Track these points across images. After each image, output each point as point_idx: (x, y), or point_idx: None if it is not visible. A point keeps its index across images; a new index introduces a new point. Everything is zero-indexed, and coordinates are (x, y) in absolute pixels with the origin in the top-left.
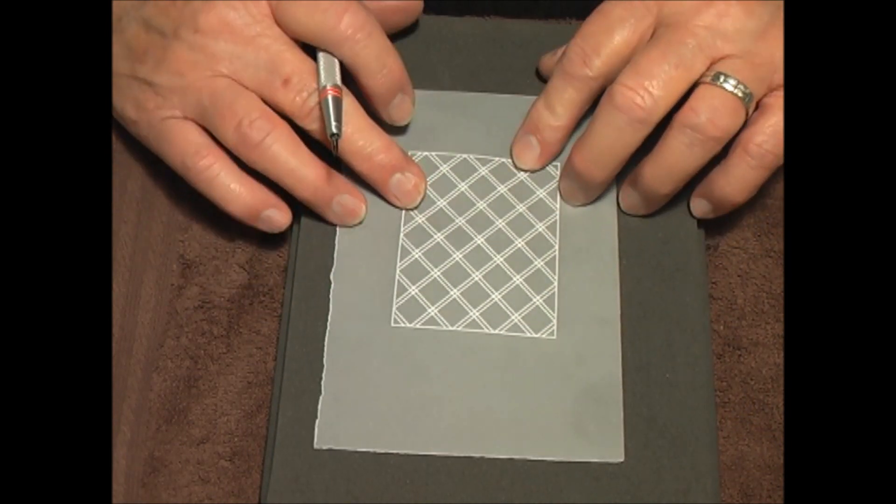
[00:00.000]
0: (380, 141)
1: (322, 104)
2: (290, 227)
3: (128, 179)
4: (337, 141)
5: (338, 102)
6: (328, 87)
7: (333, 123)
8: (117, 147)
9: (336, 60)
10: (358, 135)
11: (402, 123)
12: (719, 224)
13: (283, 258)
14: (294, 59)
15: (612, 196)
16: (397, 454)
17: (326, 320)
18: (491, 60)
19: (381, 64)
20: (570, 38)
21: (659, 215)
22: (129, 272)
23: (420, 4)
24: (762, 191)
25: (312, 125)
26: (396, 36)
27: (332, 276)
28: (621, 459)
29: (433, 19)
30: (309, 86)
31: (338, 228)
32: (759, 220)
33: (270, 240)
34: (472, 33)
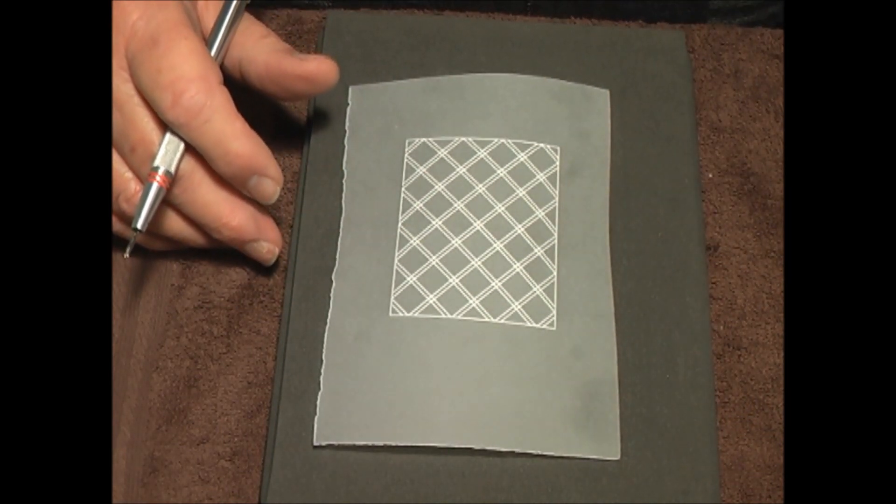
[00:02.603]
0: (237, 141)
1: (143, 187)
2: (290, 227)
3: None
4: (134, 239)
5: (157, 194)
6: (156, 173)
7: (141, 218)
8: None
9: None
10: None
11: (268, 202)
12: (719, 224)
13: (283, 258)
14: (143, 126)
15: (604, 192)
16: (397, 454)
17: (326, 319)
18: (491, 60)
19: (221, 151)
20: (570, 38)
21: (659, 215)
22: (129, 272)
23: (331, 78)
24: (762, 191)
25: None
26: (397, 35)
27: (333, 276)
28: (617, 457)
29: (433, 19)
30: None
31: (341, 228)
32: (759, 221)
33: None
34: (472, 33)
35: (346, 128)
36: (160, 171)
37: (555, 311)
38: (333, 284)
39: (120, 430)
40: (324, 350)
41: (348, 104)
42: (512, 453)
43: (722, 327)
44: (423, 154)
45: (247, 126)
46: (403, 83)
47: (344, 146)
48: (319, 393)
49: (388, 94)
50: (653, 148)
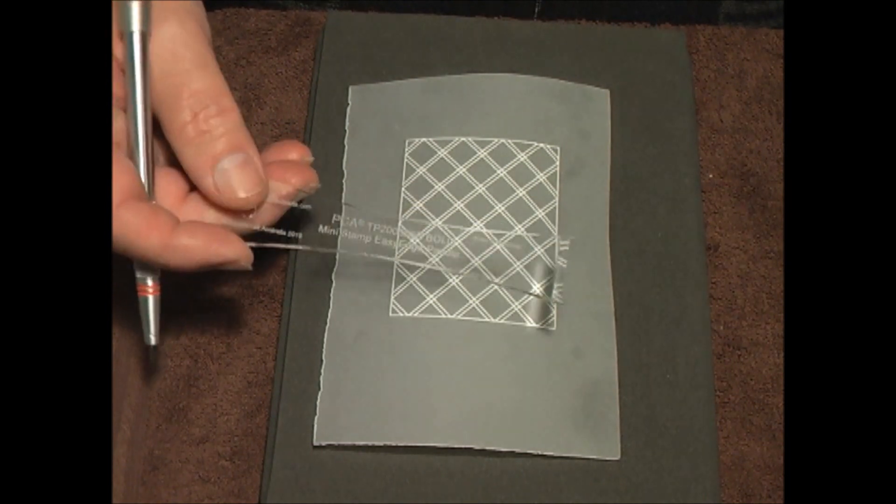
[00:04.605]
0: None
1: (140, 303)
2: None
3: None
4: (154, 351)
5: (156, 303)
6: (145, 284)
7: (152, 333)
8: None
9: None
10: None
11: (243, 266)
12: (719, 224)
13: (283, 258)
14: None
15: (604, 192)
16: (397, 454)
17: (326, 319)
18: (491, 60)
19: (162, 262)
20: (570, 38)
21: (659, 215)
22: (130, 270)
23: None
24: (762, 192)
25: None
26: (397, 35)
27: (333, 276)
28: (617, 457)
29: (433, 19)
30: None
31: (341, 226)
32: (759, 222)
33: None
34: (472, 33)
35: (346, 128)
36: (148, 282)
37: (554, 312)
38: (333, 284)
39: (120, 427)
40: (324, 350)
41: (348, 104)
42: (512, 453)
43: (722, 327)
44: (424, 154)
45: (169, 232)
46: (403, 83)
47: (344, 146)
48: (319, 393)
49: (388, 94)
50: (653, 148)
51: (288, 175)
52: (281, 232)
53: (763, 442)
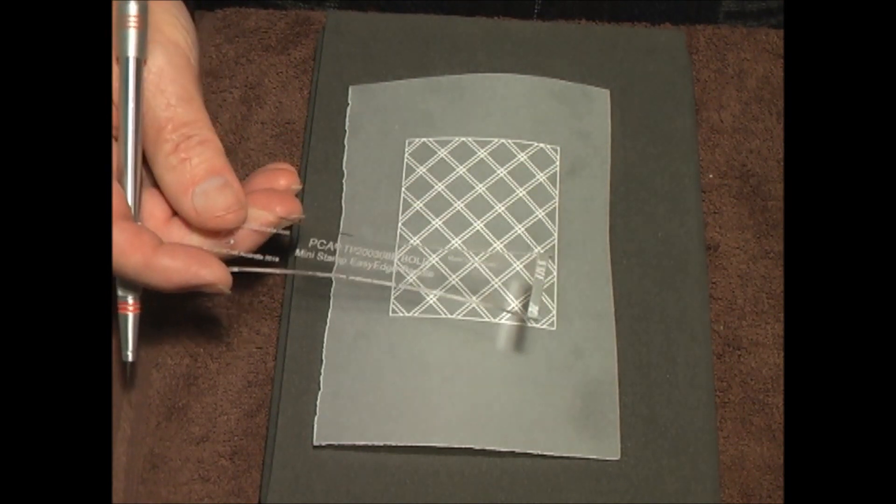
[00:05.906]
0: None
1: (119, 320)
2: (290, 226)
3: None
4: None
5: (135, 321)
6: (125, 302)
7: (130, 350)
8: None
9: None
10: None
11: (223, 291)
12: (719, 224)
13: (283, 259)
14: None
15: (604, 192)
16: (397, 454)
17: (326, 319)
18: (491, 60)
19: (143, 281)
20: (570, 38)
21: (659, 215)
22: None
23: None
24: (762, 192)
25: None
26: (397, 35)
27: (333, 276)
28: (617, 457)
29: (433, 19)
30: None
31: (341, 224)
32: (759, 222)
33: (270, 239)
34: (472, 33)
35: (346, 128)
36: (129, 300)
37: (555, 312)
38: (333, 285)
39: (120, 426)
40: (324, 350)
41: (348, 104)
42: (512, 453)
43: (722, 327)
44: (424, 154)
45: (151, 252)
46: (403, 83)
47: (344, 146)
48: (319, 393)
49: (388, 94)
50: (653, 148)
51: (273, 204)
52: (258, 256)
53: (763, 442)
